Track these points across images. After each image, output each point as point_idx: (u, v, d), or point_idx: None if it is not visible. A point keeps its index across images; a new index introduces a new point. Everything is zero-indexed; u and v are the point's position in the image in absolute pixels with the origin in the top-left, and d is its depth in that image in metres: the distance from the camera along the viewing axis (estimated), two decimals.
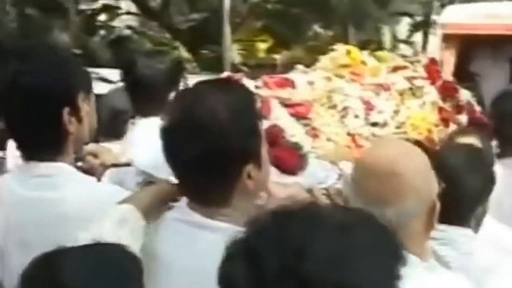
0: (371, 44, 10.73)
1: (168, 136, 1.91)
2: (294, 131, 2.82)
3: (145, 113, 3.22)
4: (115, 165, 3.01)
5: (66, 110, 2.11)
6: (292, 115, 2.95)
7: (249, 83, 3.13)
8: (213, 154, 1.82)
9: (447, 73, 5.23)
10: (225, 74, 3.21)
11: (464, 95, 4.16)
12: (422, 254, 1.80)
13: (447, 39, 7.93)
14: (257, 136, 1.93)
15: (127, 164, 2.96)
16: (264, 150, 1.97)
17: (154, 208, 2.15)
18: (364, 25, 14.95)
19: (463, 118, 4.05)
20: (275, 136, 2.70)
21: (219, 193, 1.89)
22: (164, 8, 16.25)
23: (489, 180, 2.59)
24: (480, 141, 2.96)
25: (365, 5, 14.01)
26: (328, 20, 15.41)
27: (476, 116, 4.02)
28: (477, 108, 4.12)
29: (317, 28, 15.61)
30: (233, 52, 15.17)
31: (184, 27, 15.97)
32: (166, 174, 2.44)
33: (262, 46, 14.13)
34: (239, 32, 14.03)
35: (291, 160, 2.72)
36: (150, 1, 16.58)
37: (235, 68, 14.76)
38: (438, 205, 1.80)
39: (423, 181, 1.76)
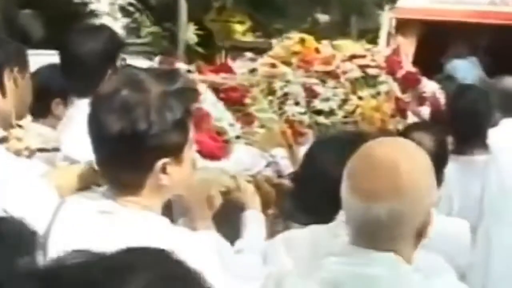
0: (370, 33, 10.51)
1: (94, 110, 1.88)
2: (220, 116, 2.78)
3: (80, 94, 3.14)
4: (42, 150, 2.97)
5: None
6: (223, 100, 2.91)
7: (182, 67, 3.10)
8: (129, 137, 1.79)
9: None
10: (157, 59, 3.15)
11: (430, 86, 4.12)
12: (409, 260, 1.73)
13: (405, 25, 7.49)
14: (184, 131, 1.88)
15: (56, 149, 2.92)
16: (190, 149, 1.94)
17: (77, 186, 2.17)
18: (365, 12, 14.79)
19: (425, 110, 4.02)
20: (200, 119, 2.66)
21: (132, 179, 1.86)
22: None
23: None
24: (431, 137, 2.90)
25: None
26: (328, 6, 15.30)
27: (440, 110, 3.99)
28: (442, 100, 4.08)
29: (318, 14, 15.46)
30: (189, 32, 15.07)
31: (154, 3, 15.83)
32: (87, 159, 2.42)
33: (239, 27, 13.93)
34: (219, 12, 13.85)
35: (213, 145, 2.68)
36: None
37: (190, 49, 14.61)
38: (433, 216, 1.74)
39: (422, 186, 1.70)
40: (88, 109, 1.91)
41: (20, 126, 2.70)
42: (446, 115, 3.74)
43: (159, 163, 1.82)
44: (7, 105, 2.21)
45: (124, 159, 1.83)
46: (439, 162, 2.88)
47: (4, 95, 2.16)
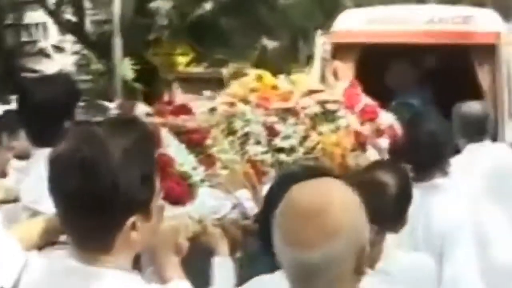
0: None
1: (53, 173, 1.86)
2: (183, 160, 2.80)
3: (38, 143, 3.14)
4: (4, 202, 2.97)
5: None
6: (185, 143, 2.93)
7: (142, 110, 3.12)
8: (97, 198, 1.79)
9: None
10: (117, 102, 3.17)
11: (386, 118, 4.20)
12: None
13: (342, 49, 7.15)
14: (150, 185, 1.88)
15: (15, 200, 2.92)
16: (157, 200, 1.94)
17: (42, 241, 2.15)
18: (310, 37, 15.05)
19: (384, 142, 4.08)
20: (164, 165, 2.67)
21: (100, 239, 1.84)
22: (80, 20, 16.09)
23: None
24: (393, 176, 2.97)
25: (309, 16, 13.92)
26: (275, 32, 15.52)
27: (398, 141, 4.06)
28: (400, 132, 4.15)
29: (265, 40, 15.67)
30: (124, 67, 15.07)
31: (95, 38, 15.86)
32: (51, 210, 2.41)
33: (182, 59, 13.92)
34: (159, 45, 13.84)
35: (178, 190, 2.69)
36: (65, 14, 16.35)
37: (126, 85, 14.61)
38: (368, 249, 1.76)
39: (352, 223, 1.72)
40: (46, 165, 1.89)
41: None
42: (404, 144, 3.82)
43: (129, 221, 1.81)
44: None
45: (91, 220, 1.81)
46: (402, 202, 2.95)
47: None
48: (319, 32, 7.00)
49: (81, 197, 1.78)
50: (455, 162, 3.81)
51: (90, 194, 1.77)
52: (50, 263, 1.93)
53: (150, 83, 15.07)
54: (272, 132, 3.31)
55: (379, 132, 4.09)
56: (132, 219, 1.81)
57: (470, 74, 6.70)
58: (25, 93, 3.05)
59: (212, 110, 3.40)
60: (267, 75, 3.89)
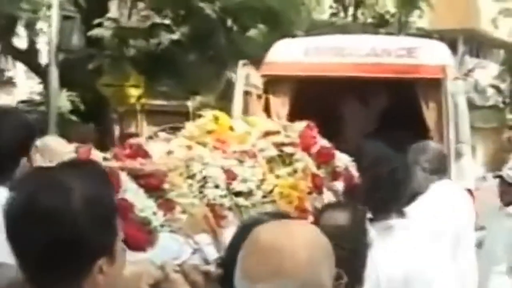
0: None
1: (12, 224, 1.82)
2: (143, 205, 2.84)
3: None
4: None
5: None
6: (143, 187, 2.98)
7: (98, 155, 3.15)
8: (61, 247, 1.79)
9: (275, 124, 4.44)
10: (72, 145, 3.20)
11: (342, 160, 4.29)
12: None
13: (275, 82, 6.74)
14: (112, 229, 1.90)
15: None
16: (119, 242, 1.96)
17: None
18: None
19: (339, 185, 4.18)
20: (123, 211, 2.71)
21: (68, 287, 1.84)
22: (31, 48, 15.95)
23: None
24: (350, 216, 3.04)
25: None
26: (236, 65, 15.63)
27: (353, 183, 4.16)
28: (355, 174, 4.25)
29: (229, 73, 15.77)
30: (61, 99, 14.99)
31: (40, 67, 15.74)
32: (9, 259, 2.42)
33: (134, 92, 13.78)
34: (109, 76, 13.62)
35: (139, 236, 2.74)
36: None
37: (62, 117, 14.46)
38: None
39: (310, 268, 1.75)
40: (2, 213, 1.88)
41: None
42: (363, 183, 3.89)
43: (96, 266, 1.83)
44: None
45: (57, 270, 1.81)
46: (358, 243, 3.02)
47: None
48: (241, 62, 6.56)
49: (43, 247, 1.77)
50: (418, 202, 3.91)
51: (53, 244, 1.77)
52: None
53: (98, 116, 14.91)
54: (230, 176, 3.38)
55: (335, 175, 4.19)
56: (98, 263, 1.83)
57: (416, 110, 6.52)
58: None
59: (169, 153, 3.45)
60: (223, 116, 3.97)
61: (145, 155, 3.25)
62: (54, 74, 14.01)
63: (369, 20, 23.29)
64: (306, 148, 4.02)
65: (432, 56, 6.78)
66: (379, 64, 6.78)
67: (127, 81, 13.59)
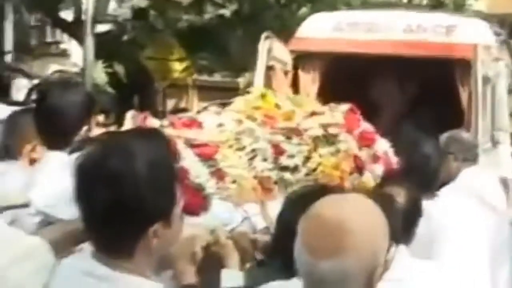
0: None
1: (81, 179, 2.00)
2: (198, 172, 3.03)
3: (52, 146, 3.34)
4: (9, 207, 3.14)
5: None
6: (197, 155, 3.16)
7: (154, 122, 3.34)
8: (121, 208, 1.94)
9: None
10: (129, 113, 3.39)
11: (382, 144, 4.45)
12: None
13: (305, 59, 6.60)
14: (172, 196, 2.05)
15: (24, 205, 3.09)
16: (178, 209, 2.10)
17: (68, 246, 2.31)
18: None
19: (379, 168, 4.33)
20: (181, 177, 2.89)
21: (123, 245, 2.01)
22: (76, 20, 16.06)
23: None
24: (404, 192, 3.26)
25: None
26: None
27: (392, 168, 4.31)
28: (394, 159, 4.40)
29: None
30: (96, 72, 15.04)
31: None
32: (66, 215, 2.61)
33: (178, 66, 13.69)
34: (152, 49, 13.49)
35: (194, 201, 2.92)
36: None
37: (97, 89, 14.45)
38: (380, 271, 1.93)
39: (368, 243, 1.88)
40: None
41: None
42: (398, 168, 4.00)
43: (151, 229, 1.99)
44: None
45: (115, 227, 1.98)
46: (410, 219, 3.18)
47: None
48: (263, 35, 6.31)
49: (107, 205, 1.94)
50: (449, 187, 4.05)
51: (116, 203, 1.94)
52: (73, 266, 2.09)
53: (143, 89, 14.94)
54: (277, 150, 3.55)
55: (375, 158, 4.34)
56: (154, 227, 1.98)
57: (452, 92, 6.29)
58: (44, 96, 3.25)
59: (220, 125, 3.63)
60: (270, 94, 4.13)
61: (200, 125, 3.43)
62: (89, 45, 14.05)
63: (425, 1, 22.78)
64: (349, 130, 4.16)
65: (468, 34, 6.51)
66: (414, 41, 6.55)
67: (171, 54, 13.48)
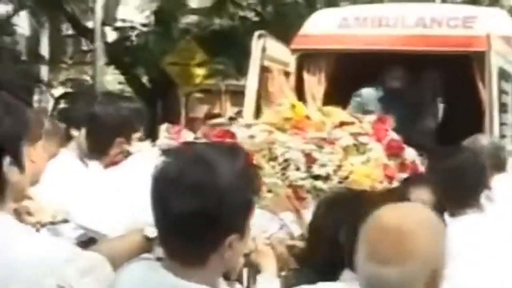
0: None
1: (162, 189, 2.02)
2: None
3: (92, 155, 3.45)
4: (52, 223, 3.25)
5: (7, 159, 2.15)
6: None
7: (188, 135, 3.48)
8: (204, 217, 1.96)
9: (311, 104, 4.49)
10: (164, 126, 3.52)
11: (410, 154, 4.56)
12: None
13: (309, 58, 6.20)
14: (250, 208, 2.05)
15: (65, 221, 3.20)
16: (251, 221, 2.11)
17: (126, 258, 2.31)
18: None
19: None
20: None
21: (198, 255, 2.02)
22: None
23: None
24: (430, 191, 3.32)
25: None
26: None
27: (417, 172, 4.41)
28: (421, 168, 4.50)
29: None
30: (107, 77, 15.09)
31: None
32: (110, 230, 2.73)
33: (199, 71, 13.61)
34: (174, 54, 13.42)
35: None
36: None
37: (108, 95, 14.39)
38: (442, 274, 1.99)
39: (431, 248, 1.97)
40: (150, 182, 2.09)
41: (29, 197, 2.97)
42: (432, 177, 3.79)
43: (228, 240, 2.01)
44: (24, 180, 2.27)
45: (192, 238, 2.00)
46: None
47: (22, 172, 2.21)
48: (256, 33, 5.72)
49: (189, 216, 1.96)
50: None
51: (198, 213, 1.95)
52: (142, 274, 2.11)
53: (165, 97, 14.92)
54: (310, 159, 3.68)
55: (403, 167, 4.45)
56: (230, 238, 2.00)
57: (473, 88, 5.84)
58: (94, 115, 3.39)
59: (251, 137, 3.76)
60: (299, 105, 4.26)
61: (232, 136, 3.56)
62: (99, 51, 14.02)
63: None
64: (378, 139, 4.29)
65: (486, 26, 5.94)
66: (428, 36, 6.11)
67: (193, 59, 13.30)
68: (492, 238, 3.49)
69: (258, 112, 5.19)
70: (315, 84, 6.09)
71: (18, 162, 2.18)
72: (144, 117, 3.44)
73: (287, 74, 6.02)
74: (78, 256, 2.17)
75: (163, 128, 3.47)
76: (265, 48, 5.55)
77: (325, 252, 2.69)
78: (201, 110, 16.10)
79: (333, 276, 2.61)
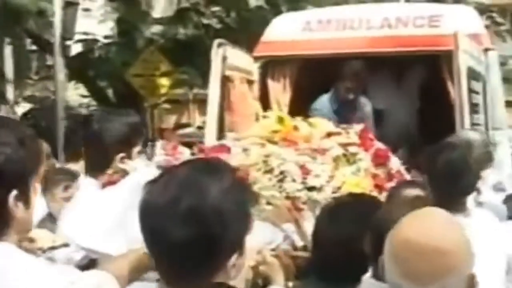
0: None
1: (155, 218, 1.97)
2: None
3: (89, 172, 3.44)
4: (52, 248, 3.29)
5: (13, 194, 2.10)
6: None
7: (185, 151, 3.55)
8: (203, 242, 1.92)
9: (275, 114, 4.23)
10: (159, 143, 3.59)
11: (394, 163, 4.68)
12: None
13: (274, 64, 6.01)
14: (249, 224, 2.03)
15: (65, 245, 3.24)
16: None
17: (132, 277, 2.35)
18: None
19: None
20: None
21: (200, 280, 1.99)
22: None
23: None
24: (422, 190, 3.36)
25: None
26: None
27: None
28: (407, 176, 4.61)
29: None
30: (69, 92, 14.99)
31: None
32: (113, 249, 2.79)
33: (165, 81, 13.54)
34: (138, 66, 13.32)
35: None
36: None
37: (68, 111, 14.28)
38: (477, 279, 1.99)
39: (465, 257, 1.96)
40: (140, 215, 2.09)
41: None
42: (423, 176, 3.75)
43: (231, 262, 1.96)
44: (29, 215, 2.21)
45: (194, 265, 1.94)
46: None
47: (28, 207, 2.16)
48: (216, 41, 5.54)
49: (188, 245, 1.90)
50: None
51: (199, 241, 1.90)
52: None
53: (131, 109, 14.85)
54: (304, 171, 3.76)
55: (389, 176, 4.57)
56: (233, 258, 1.96)
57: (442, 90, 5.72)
58: (90, 123, 3.40)
59: (245, 150, 3.85)
60: (287, 117, 4.36)
61: (228, 150, 3.64)
62: (59, 65, 13.81)
63: None
64: (365, 149, 4.39)
65: (452, 24, 5.84)
66: (394, 36, 5.98)
67: (157, 70, 13.18)
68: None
69: (221, 123, 5.19)
70: (280, 92, 5.97)
71: (25, 197, 2.12)
72: (142, 130, 3.43)
73: (250, 82, 5.92)
74: (82, 279, 2.15)
75: (159, 145, 3.54)
76: (225, 57, 5.41)
77: (332, 260, 2.75)
78: (170, 121, 16.12)
79: (342, 284, 2.68)
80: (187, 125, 9.76)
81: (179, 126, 11.47)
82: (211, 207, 1.91)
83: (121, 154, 3.32)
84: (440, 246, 1.96)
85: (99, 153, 3.36)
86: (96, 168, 3.37)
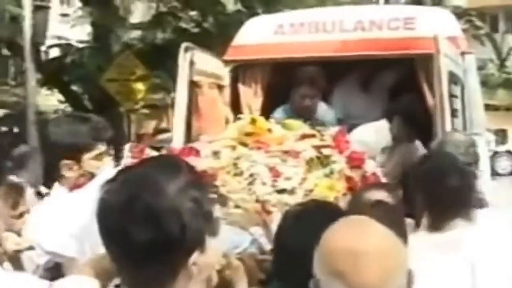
0: None
1: (113, 220, 1.94)
2: None
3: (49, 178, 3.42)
4: (17, 251, 3.25)
5: None
6: None
7: (152, 153, 3.52)
8: (164, 242, 1.91)
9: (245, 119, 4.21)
10: (127, 146, 3.56)
11: (370, 165, 4.66)
12: None
13: (245, 68, 5.95)
14: (210, 221, 2.02)
15: (30, 248, 3.19)
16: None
17: (106, 281, 2.34)
18: None
19: None
20: None
21: (163, 281, 1.97)
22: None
23: None
24: (389, 194, 3.31)
25: None
26: None
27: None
28: (383, 179, 4.59)
29: None
30: (47, 97, 14.99)
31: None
32: (79, 253, 2.76)
33: (140, 86, 13.19)
34: (113, 70, 13.17)
35: None
36: None
37: (39, 116, 14.06)
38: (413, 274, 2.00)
39: (402, 253, 1.98)
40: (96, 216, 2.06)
41: None
42: (410, 184, 3.55)
43: (191, 260, 1.94)
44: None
45: (157, 264, 1.94)
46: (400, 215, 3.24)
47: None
48: (183, 45, 5.45)
49: (148, 245, 1.89)
50: None
51: (158, 241, 1.89)
52: None
53: (107, 115, 14.83)
54: (275, 173, 3.74)
55: (364, 179, 4.55)
56: (193, 256, 1.94)
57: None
58: (48, 133, 3.37)
59: (216, 153, 3.82)
60: (260, 119, 4.33)
61: (197, 153, 3.61)
62: (30, 71, 13.77)
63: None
64: (340, 152, 4.37)
65: (428, 26, 5.76)
66: (368, 40, 5.90)
67: (133, 74, 12.95)
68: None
69: (189, 129, 5.11)
70: (252, 96, 5.92)
71: None
72: (105, 134, 3.32)
73: (220, 87, 5.87)
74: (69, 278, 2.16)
75: (127, 147, 3.51)
76: (193, 62, 5.33)
77: (293, 264, 2.72)
78: (150, 126, 16.05)
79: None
80: (166, 130, 9.69)
81: (158, 131, 11.37)
82: (168, 205, 1.89)
83: (66, 162, 3.25)
84: (383, 252, 1.95)
85: (49, 157, 3.34)
86: (50, 171, 3.34)
